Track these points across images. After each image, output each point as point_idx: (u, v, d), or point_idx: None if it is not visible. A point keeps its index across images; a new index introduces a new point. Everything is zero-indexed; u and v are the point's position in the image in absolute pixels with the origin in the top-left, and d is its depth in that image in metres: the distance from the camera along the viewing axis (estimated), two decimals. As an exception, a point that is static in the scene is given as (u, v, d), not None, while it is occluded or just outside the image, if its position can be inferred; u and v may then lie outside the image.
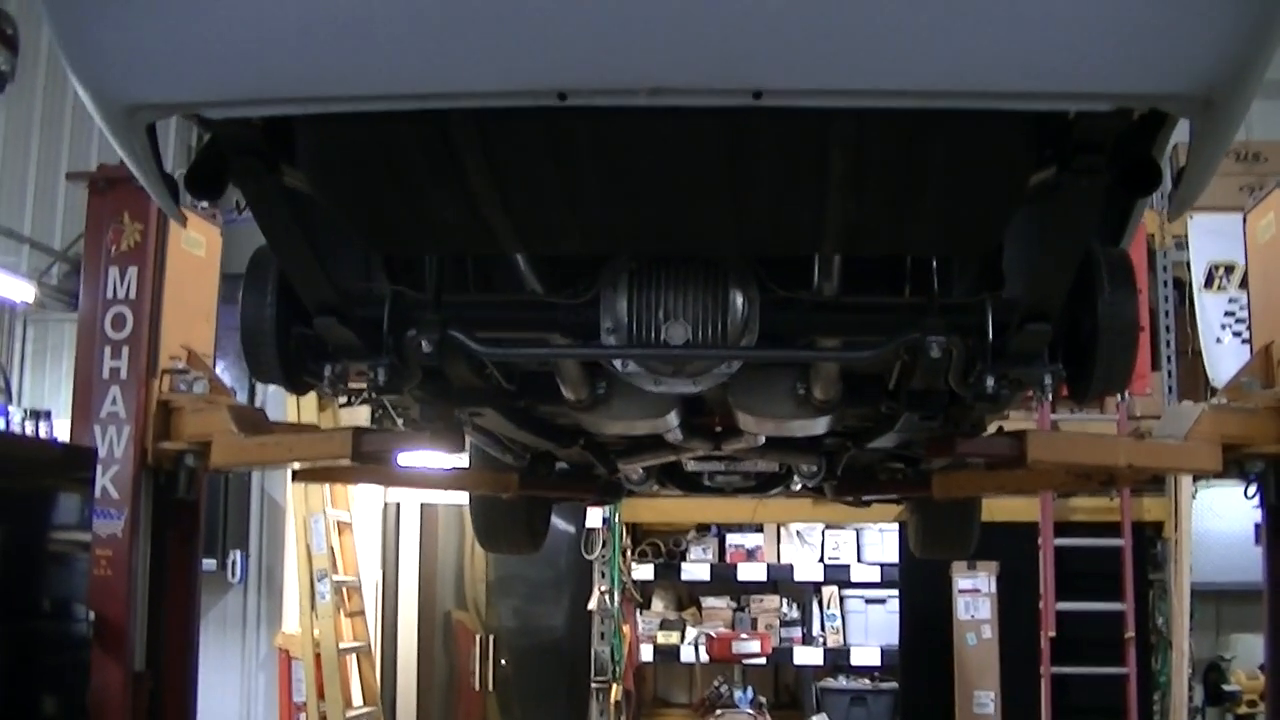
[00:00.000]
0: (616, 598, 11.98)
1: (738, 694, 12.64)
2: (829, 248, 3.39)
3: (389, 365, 3.75)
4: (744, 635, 12.89)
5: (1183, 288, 11.10)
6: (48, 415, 9.41)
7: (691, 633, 12.99)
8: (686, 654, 12.92)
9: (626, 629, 12.20)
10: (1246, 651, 11.12)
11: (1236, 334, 10.38)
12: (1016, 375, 3.76)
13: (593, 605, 11.95)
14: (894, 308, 3.81)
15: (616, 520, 11.93)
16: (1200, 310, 10.75)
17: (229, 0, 2.55)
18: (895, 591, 12.36)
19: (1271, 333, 6.69)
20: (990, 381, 3.68)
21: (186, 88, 2.68)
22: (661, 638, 12.94)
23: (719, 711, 12.41)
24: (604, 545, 11.95)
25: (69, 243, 11.71)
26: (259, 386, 10.68)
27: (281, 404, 10.56)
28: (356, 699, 11.32)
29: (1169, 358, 10.94)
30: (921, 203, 3.05)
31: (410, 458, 5.96)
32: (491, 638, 12.75)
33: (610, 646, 11.89)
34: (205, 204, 7.22)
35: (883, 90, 2.55)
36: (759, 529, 13.08)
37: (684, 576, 13.13)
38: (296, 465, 6.41)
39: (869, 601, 13.17)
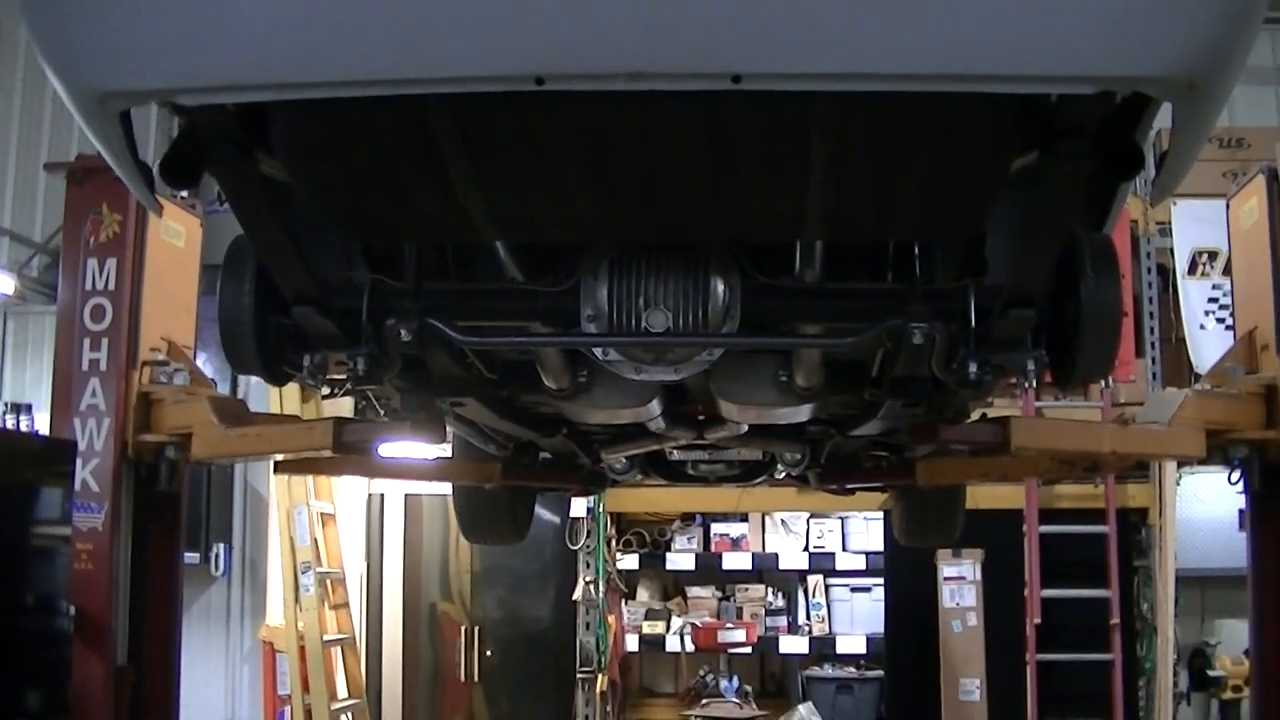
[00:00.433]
0: (601, 588, 11.97)
1: (723, 683, 12.63)
2: (810, 234, 3.37)
3: (368, 355, 3.72)
4: (729, 624, 12.89)
5: (1166, 274, 11.12)
6: (29, 409, 9.37)
7: (677, 622, 12.98)
8: (672, 644, 12.91)
9: (612, 619, 12.20)
10: (1231, 637, 11.13)
11: (1220, 320, 10.41)
12: (1000, 361, 3.74)
13: (578, 595, 11.95)
14: (877, 294, 3.79)
15: (601, 510, 11.93)
16: (1184, 297, 10.77)
17: (200, -15, 2.53)
18: (880, 580, 12.39)
19: (1255, 318, 6.69)
20: (973, 367, 3.66)
21: (159, 74, 2.65)
22: (647, 627, 12.92)
23: (705, 701, 12.40)
24: (588, 535, 11.95)
25: (49, 235, 11.66)
26: (241, 378, 10.63)
27: (264, 395, 10.53)
28: (341, 691, 11.31)
29: (1153, 344, 10.97)
30: (903, 188, 3.03)
31: (393, 448, 5.94)
32: (477, 629, 12.75)
33: (596, 637, 11.89)
34: (184, 194, 7.19)
35: (863, 73, 2.53)
36: (744, 518, 13.08)
37: (669, 566, 13.11)
38: (279, 457, 6.37)
39: (854, 590, 13.17)
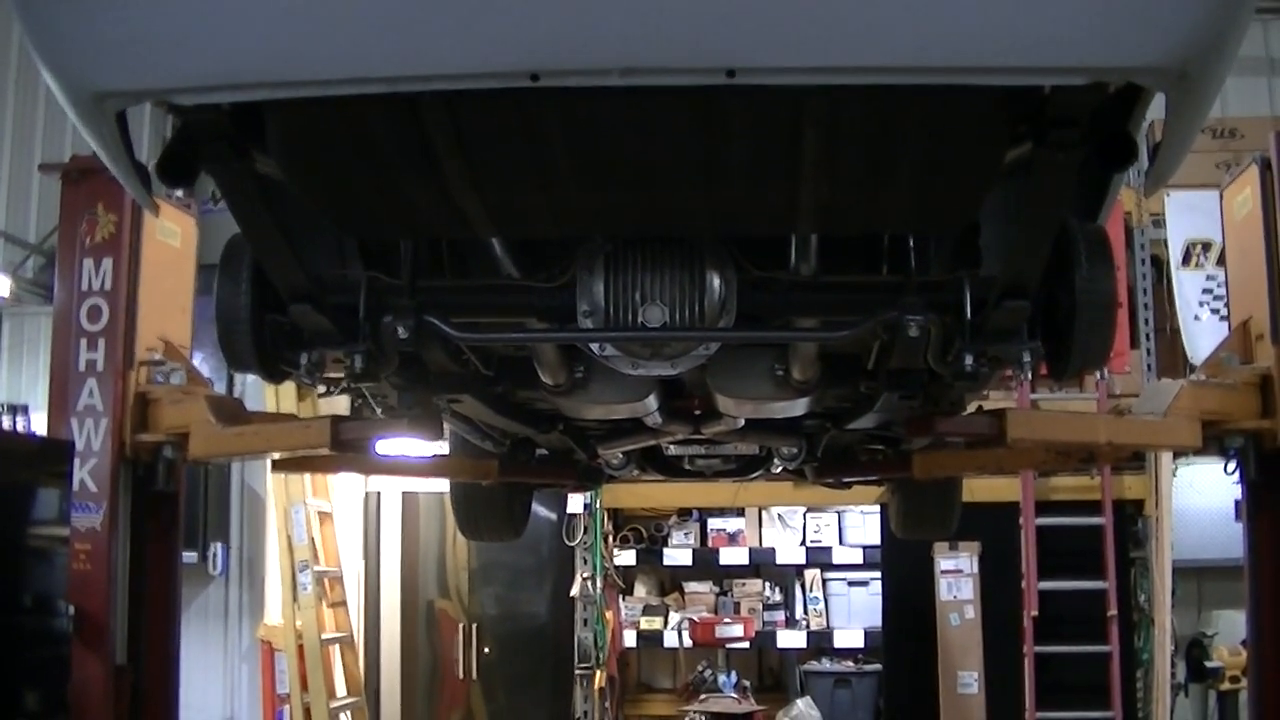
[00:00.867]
0: (599, 584, 11.98)
1: (721, 678, 12.65)
2: (805, 227, 3.38)
3: (365, 352, 3.73)
4: (727, 619, 12.91)
5: (1161, 265, 11.13)
6: (25, 410, 9.38)
7: (674, 618, 13.00)
8: (670, 639, 12.94)
9: (609, 615, 12.20)
10: (1228, 627, 11.14)
11: (1214, 311, 10.40)
12: (995, 353, 3.75)
13: (575, 592, 11.95)
14: (871, 287, 3.80)
15: (597, 506, 11.93)
16: (1178, 287, 10.77)
17: (195, -16, 2.54)
18: (877, 573, 12.39)
19: (1249, 308, 6.70)
20: (969, 359, 3.67)
21: (154, 74, 2.66)
22: (644, 623, 12.95)
23: (703, 696, 12.41)
24: (585, 531, 11.95)
25: (44, 236, 11.66)
26: (237, 377, 10.62)
27: (260, 394, 10.52)
28: (340, 689, 11.31)
29: (1147, 335, 10.96)
30: (897, 180, 3.04)
31: (390, 446, 5.94)
32: (475, 626, 12.76)
33: (593, 633, 11.89)
34: (180, 193, 7.18)
35: (856, 67, 2.54)
36: (740, 513, 13.10)
37: (666, 561, 13.14)
38: (276, 455, 6.38)
39: (851, 584, 13.19)
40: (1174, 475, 10.86)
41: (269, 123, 2.90)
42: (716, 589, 13.36)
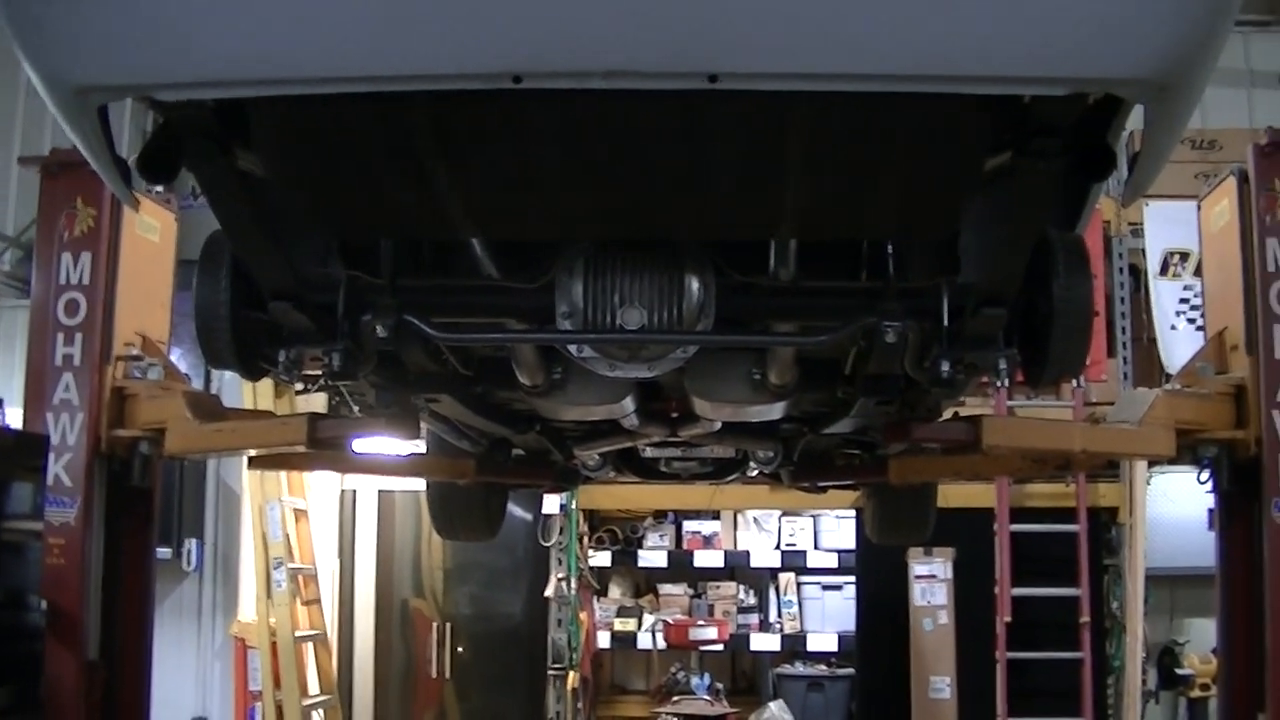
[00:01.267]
0: (573, 585, 11.96)
1: (695, 680, 12.64)
2: (786, 232, 3.39)
3: (344, 350, 3.72)
4: (701, 622, 12.89)
5: (1138, 274, 11.15)
6: (1, 403, 9.33)
7: (649, 619, 12.97)
8: (644, 641, 12.90)
9: (584, 616, 12.18)
10: (1200, 635, 11.19)
11: (1191, 321, 10.43)
12: (972, 359, 3.77)
13: (550, 592, 11.95)
14: (850, 292, 3.80)
15: (573, 507, 11.92)
16: (1155, 297, 10.80)
17: (180, -19, 2.54)
18: (852, 578, 12.39)
19: (1225, 319, 6.74)
20: (946, 366, 3.69)
21: (137, 69, 2.65)
22: (619, 625, 12.92)
23: (676, 698, 12.40)
24: (561, 532, 11.95)
25: (22, 228, 11.61)
26: (215, 373, 10.60)
27: (238, 391, 10.50)
28: (313, 687, 11.29)
29: (1124, 344, 10.99)
30: (878, 187, 3.06)
31: (367, 444, 5.94)
32: (449, 625, 12.73)
33: (567, 634, 11.89)
34: (160, 189, 7.16)
35: (838, 74, 2.55)
36: (716, 516, 13.08)
37: (641, 563, 13.10)
38: (252, 452, 6.37)
39: (826, 588, 13.17)
40: (1148, 484, 10.89)
41: (252, 120, 2.89)
42: (691, 591, 13.33)
